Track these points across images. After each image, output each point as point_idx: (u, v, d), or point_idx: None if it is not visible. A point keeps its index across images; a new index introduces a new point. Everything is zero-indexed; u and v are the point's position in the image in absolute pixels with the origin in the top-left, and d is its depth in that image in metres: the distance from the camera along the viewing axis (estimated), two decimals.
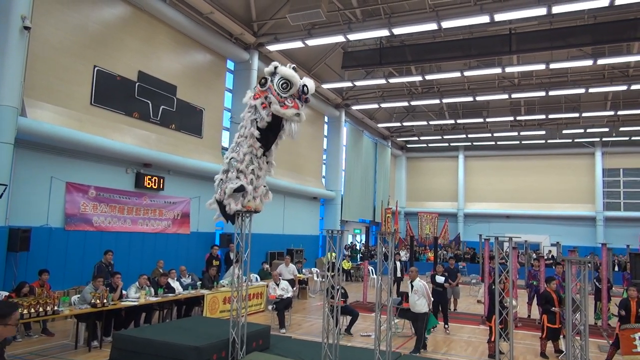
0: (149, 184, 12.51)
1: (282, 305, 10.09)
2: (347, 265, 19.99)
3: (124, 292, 8.93)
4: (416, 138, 30.17)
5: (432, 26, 13.65)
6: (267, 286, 11.54)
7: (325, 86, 19.81)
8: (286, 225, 18.88)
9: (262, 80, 6.03)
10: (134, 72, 12.19)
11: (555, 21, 14.46)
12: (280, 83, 5.88)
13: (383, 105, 23.05)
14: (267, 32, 15.52)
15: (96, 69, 11.10)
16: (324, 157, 22.83)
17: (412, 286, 8.73)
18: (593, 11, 13.76)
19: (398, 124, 27.12)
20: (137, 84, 12.23)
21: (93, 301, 7.82)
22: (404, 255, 21.98)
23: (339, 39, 15.05)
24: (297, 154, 19.66)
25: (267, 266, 14.95)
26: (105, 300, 7.93)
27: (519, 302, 12.83)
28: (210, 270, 11.45)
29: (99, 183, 11.25)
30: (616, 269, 21.27)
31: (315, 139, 21.60)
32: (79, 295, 8.47)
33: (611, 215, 28.26)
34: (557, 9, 12.30)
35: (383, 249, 6.16)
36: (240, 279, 6.46)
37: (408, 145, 33.33)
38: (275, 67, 5.98)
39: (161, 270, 10.80)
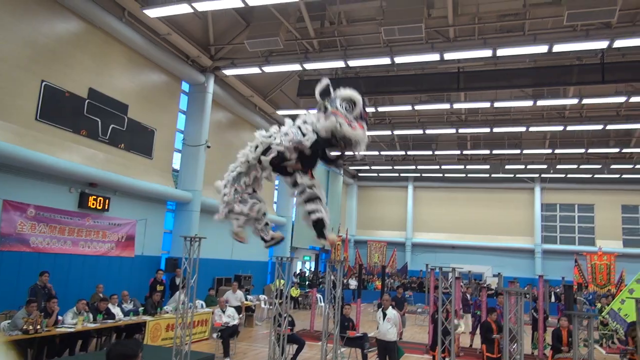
0: (93, 204, 12.05)
1: (227, 333, 9.87)
2: (295, 292, 19.84)
3: (59, 317, 8.47)
4: (368, 167, 30.75)
5: (386, 60, 14.16)
6: (212, 313, 11.26)
7: (281, 112, 19.96)
8: (235, 251, 18.60)
9: (323, 108, 5.53)
10: (84, 88, 11.86)
11: (499, 63, 15.32)
12: (345, 106, 5.46)
13: None
14: (224, 57, 15.57)
15: (44, 83, 10.73)
16: (277, 182, 22.82)
17: (384, 314, 8.82)
18: (534, 56, 14.70)
19: (350, 153, 27.57)
20: (86, 101, 11.90)
21: (25, 327, 7.37)
22: (353, 283, 22.08)
23: (296, 67, 15.31)
24: None
25: (213, 292, 14.61)
26: (38, 327, 7.50)
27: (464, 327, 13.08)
28: (154, 295, 11.07)
29: (40, 202, 10.74)
30: (552, 299, 22.23)
31: None
32: (9, 321, 7.96)
33: (548, 248, 29.65)
34: (501, 52, 13.09)
35: (332, 276, 6.20)
36: (186, 305, 6.31)
37: (360, 174, 33.88)
38: (328, 89, 5.48)
39: (101, 295, 10.33)
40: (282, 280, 5.83)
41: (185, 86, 16.00)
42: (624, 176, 27.48)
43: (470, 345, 13.00)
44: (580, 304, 19.39)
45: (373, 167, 30.57)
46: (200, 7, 11.62)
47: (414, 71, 17.02)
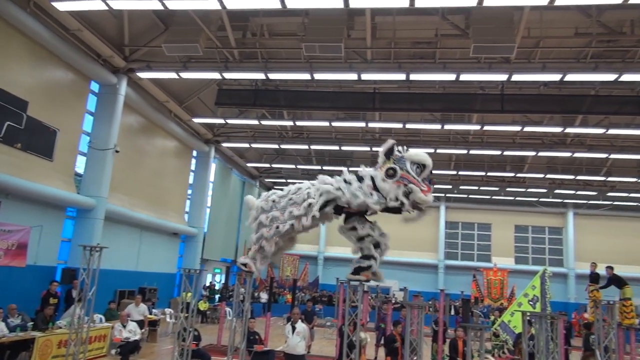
0: None
1: (127, 349, 9.35)
2: (203, 306, 19.26)
3: None
4: (284, 180, 30.81)
5: (306, 76, 14.41)
6: (112, 328, 10.61)
7: (197, 120, 19.50)
8: (141, 262, 17.71)
9: (391, 172, 5.83)
10: None
11: (412, 87, 16.18)
12: (415, 168, 5.57)
13: (254, 145, 23.31)
14: (140, 59, 14.94)
15: None
16: (189, 192, 22.14)
17: (294, 328, 8.79)
18: (443, 82, 15.71)
19: (267, 165, 27.54)
20: None
21: None
22: (264, 297, 21.88)
23: (215, 75, 15.08)
24: (160, 187, 18.80)
25: (114, 305, 13.75)
26: None
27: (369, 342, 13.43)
28: (46, 309, 10.21)
29: None
30: (452, 312, 23.53)
31: (181, 172, 20.92)
32: None
33: (450, 264, 31.47)
34: (414, 77, 13.84)
35: (241, 289, 6.11)
36: (81, 319, 5.89)
37: (276, 187, 33.78)
38: (397, 150, 5.73)
39: None
40: (189, 293, 5.64)
41: (95, 86, 15.10)
42: (517, 198, 29.99)
43: (375, 358, 13.35)
44: (476, 316, 20.74)
45: (289, 181, 30.67)
46: (115, 5, 11.11)
47: (333, 88, 17.45)
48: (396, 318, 11.46)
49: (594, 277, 13.82)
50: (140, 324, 11.68)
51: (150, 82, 16.27)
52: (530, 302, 11.66)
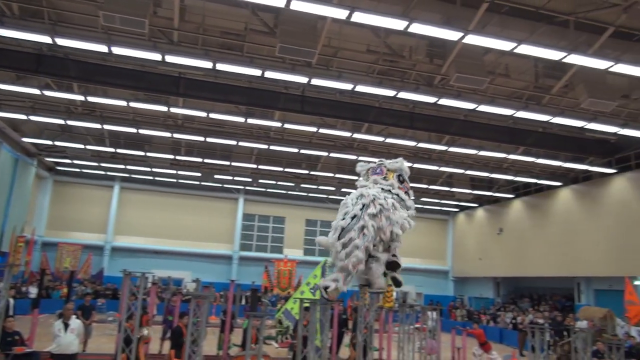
0: None
1: None
2: None
3: None
4: (69, 161, 27.52)
5: (102, 48, 13.07)
6: None
7: None
8: None
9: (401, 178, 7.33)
10: None
11: (219, 77, 16.02)
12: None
13: (33, 118, 20.20)
14: None
15: None
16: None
17: (66, 325, 7.83)
18: (250, 77, 15.89)
19: (49, 142, 24.17)
20: None
21: None
22: (33, 291, 19.22)
23: None
24: None
25: None
26: None
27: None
28: None
29: None
30: (243, 302, 24.14)
31: None
32: None
33: (245, 255, 32.27)
34: (220, 67, 13.74)
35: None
36: None
37: (58, 168, 29.97)
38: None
39: None
40: None
41: None
42: (310, 195, 32.32)
43: (160, 352, 12.90)
44: (265, 305, 21.64)
45: (76, 162, 27.53)
46: None
47: (134, 67, 16.19)
48: (184, 310, 11.24)
49: None
50: None
51: None
52: (312, 290, 12.66)
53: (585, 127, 17.09)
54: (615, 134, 18.21)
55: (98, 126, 20.84)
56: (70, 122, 20.44)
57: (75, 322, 8.23)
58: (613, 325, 18.21)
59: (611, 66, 12.19)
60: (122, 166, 27.29)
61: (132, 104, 17.86)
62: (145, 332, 9.41)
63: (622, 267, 20.74)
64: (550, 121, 16.82)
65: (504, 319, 25.26)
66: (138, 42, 13.09)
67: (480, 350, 15.80)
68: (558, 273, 24.92)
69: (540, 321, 20.01)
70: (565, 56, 11.84)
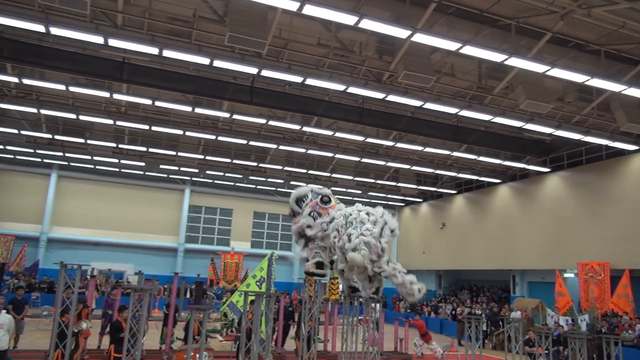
0: None
1: None
2: None
3: None
4: (1, 147, 25.90)
5: (39, 28, 12.32)
6: None
7: None
8: None
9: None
10: None
11: (165, 64, 15.53)
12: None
13: None
14: None
15: None
16: None
17: None
18: (198, 65, 15.51)
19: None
20: None
21: None
22: None
23: None
24: None
25: None
26: None
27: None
28: None
29: None
30: (188, 295, 23.69)
31: None
32: None
33: (190, 247, 31.65)
34: (167, 53, 13.32)
35: None
36: None
37: None
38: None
39: None
40: None
41: None
42: (258, 187, 32.07)
43: (99, 346, 12.47)
44: (210, 298, 21.39)
45: (9, 148, 25.94)
46: None
47: (75, 49, 15.42)
48: (125, 303, 10.90)
49: None
50: None
51: None
52: (258, 283, 12.62)
53: (523, 127, 17.93)
54: (550, 134, 19.23)
55: (34, 110, 19.71)
56: (3, 105, 19.23)
57: (4, 317, 7.81)
58: (544, 315, 19.32)
59: (548, 70, 12.83)
60: (60, 153, 25.98)
61: (72, 89, 17.00)
62: (84, 325, 9.05)
63: (554, 261, 22.02)
64: (492, 121, 17.52)
65: (445, 310, 26.19)
66: (79, 24, 12.45)
67: (421, 341, 16.35)
68: (496, 266, 26.11)
69: (478, 312, 20.91)
70: (507, 59, 12.35)
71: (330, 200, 8.09)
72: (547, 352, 11.33)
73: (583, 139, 18.74)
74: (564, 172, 22.84)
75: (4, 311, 7.89)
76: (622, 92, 14.21)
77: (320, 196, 8.08)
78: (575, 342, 9.97)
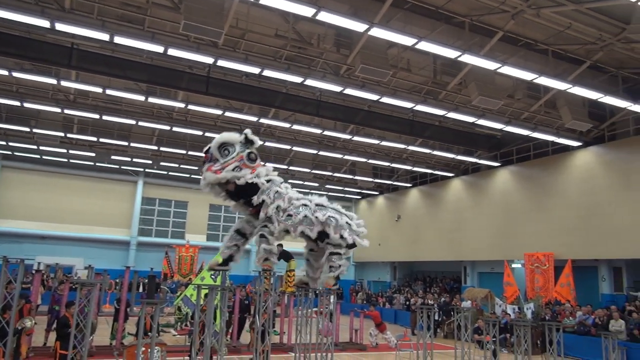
0: None
1: None
2: None
3: None
4: None
5: None
6: None
7: None
8: None
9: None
10: None
11: (117, 50, 15.00)
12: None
13: None
14: None
15: None
16: None
17: None
18: (151, 53, 15.06)
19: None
20: None
21: None
22: None
23: None
24: None
25: None
26: None
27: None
28: None
29: None
30: (141, 290, 23.13)
31: None
32: None
33: (143, 240, 30.82)
34: (119, 40, 12.86)
35: None
36: None
37: None
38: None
39: None
40: None
41: None
42: None
43: (45, 344, 12.01)
44: (164, 292, 20.97)
45: None
46: None
47: (20, 33, 14.64)
48: (73, 299, 10.52)
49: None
50: None
51: None
52: (213, 277, 12.46)
53: (475, 122, 18.47)
54: (500, 130, 19.91)
55: None
56: None
57: None
58: (493, 304, 20.08)
59: (499, 67, 13.26)
60: (3, 142, 24.69)
61: (16, 74, 16.18)
62: (27, 323, 8.67)
63: (502, 252, 22.88)
64: (446, 116, 17.96)
65: (399, 301, 26.76)
66: (23, 6, 11.82)
67: (376, 331, 16.65)
68: (448, 257, 26.87)
69: (431, 302, 21.49)
70: (460, 55, 12.67)
71: (257, 158, 6.99)
72: (494, 339, 11.80)
73: (531, 135, 19.53)
74: (513, 166, 23.71)
75: None
76: (568, 91, 14.87)
77: (248, 152, 6.87)
78: (520, 329, 10.41)
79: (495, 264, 24.04)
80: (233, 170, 6.64)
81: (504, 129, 19.27)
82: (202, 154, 7.12)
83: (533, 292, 20.79)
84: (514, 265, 22.80)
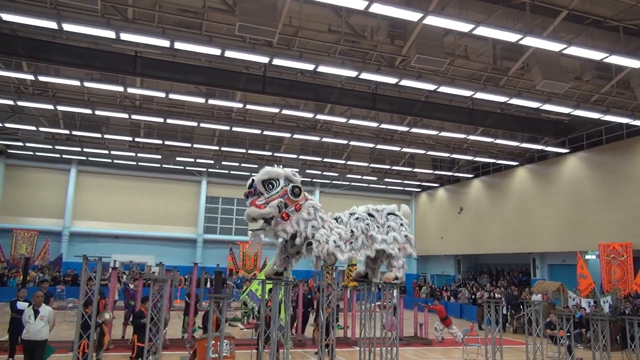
0: None
1: None
2: None
3: None
4: (21, 144, 26.39)
5: (52, 24, 12.45)
6: None
7: None
8: None
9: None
10: None
11: (177, 56, 15.58)
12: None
13: None
14: None
15: None
16: None
17: (36, 312, 7.91)
18: (209, 56, 15.54)
19: None
20: None
21: None
22: None
23: None
24: None
25: None
26: None
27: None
28: None
29: None
30: (208, 285, 24.01)
31: None
32: None
33: (209, 238, 31.96)
34: (179, 45, 13.35)
35: None
36: None
37: (9, 151, 28.68)
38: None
39: None
40: None
41: None
42: None
43: (123, 337, 12.73)
44: (230, 287, 21.65)
45: (28, 145, 26.41)
46: None
47: (87, 44, 15.56)
48: (146, 294, 11.08)
49: None
50: None
51: None
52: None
53: (540, 108, 17.61)
54: (568, 114, 18.85)
55: (51, 107, 20.01)
56: (20, 103, 19.53)
57: (45, 309, 8.26)
58: (565, 297, 19.13)
59: (564, 48, 12.52)
60: (78, 149, 26.38)
61: (87, 84, 17.19)
62: (106, 316, 9.32)
63: (574, 243, 21.71)
64: (508, 102, 17.24)
65: (464, 295, 26.10)
66: (90, 19, 12.54)
67: (441, 325, 16.33)
68: (515, 249, 25.85)
69: (498, 296, 20.79)
70: (521, 38, 12.08)
71: (300, 193, 7.07)
72: (569, 334, 11.23)
73: (602, 118, 18.34)
74: (583, 152, 22.42)
75: (44, 304, 8.30)
76: None
77: (292, 186, 7.01)
78: (597, 323, 9.85)
79: (566, 255, 22.88)
80: (277, 205, 6.79)
81: (572, 114, 18.23)
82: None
83: (610, 284, 19.61)
84: (587, 257, 21.58)
